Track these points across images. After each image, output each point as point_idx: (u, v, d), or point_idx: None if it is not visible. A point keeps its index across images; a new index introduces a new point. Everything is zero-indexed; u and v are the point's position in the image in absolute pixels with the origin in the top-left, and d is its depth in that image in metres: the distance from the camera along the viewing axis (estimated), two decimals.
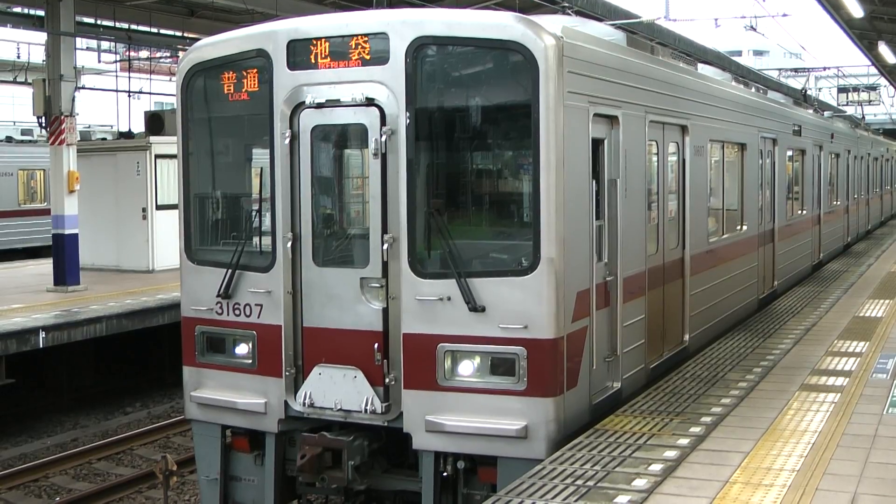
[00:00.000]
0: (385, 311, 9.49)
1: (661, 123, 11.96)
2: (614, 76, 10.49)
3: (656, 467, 8.29)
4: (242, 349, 10.30)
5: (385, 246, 9.41)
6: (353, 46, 9.58)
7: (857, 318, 16.00)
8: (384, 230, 9.44)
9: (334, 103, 9.63)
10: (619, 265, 10.52)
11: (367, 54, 9.54)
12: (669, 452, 8.70)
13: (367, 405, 9.49)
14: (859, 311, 16.72)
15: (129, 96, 35.32)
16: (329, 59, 9.69)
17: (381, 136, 9.39)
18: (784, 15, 34.87)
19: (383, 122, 9.40)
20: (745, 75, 37.68)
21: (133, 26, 28.92)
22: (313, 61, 9.76)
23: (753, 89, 18.98)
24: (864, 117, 50.95)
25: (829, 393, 10.92)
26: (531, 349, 9.03)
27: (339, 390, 9.62)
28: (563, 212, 9.12)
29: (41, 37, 26.45)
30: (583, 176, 9.68)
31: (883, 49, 32.85)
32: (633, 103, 10.93)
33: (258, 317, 10.12)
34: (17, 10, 28.30)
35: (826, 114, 32.30)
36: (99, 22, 27.75)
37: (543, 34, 9.05)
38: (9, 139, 40.10)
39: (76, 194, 21.49)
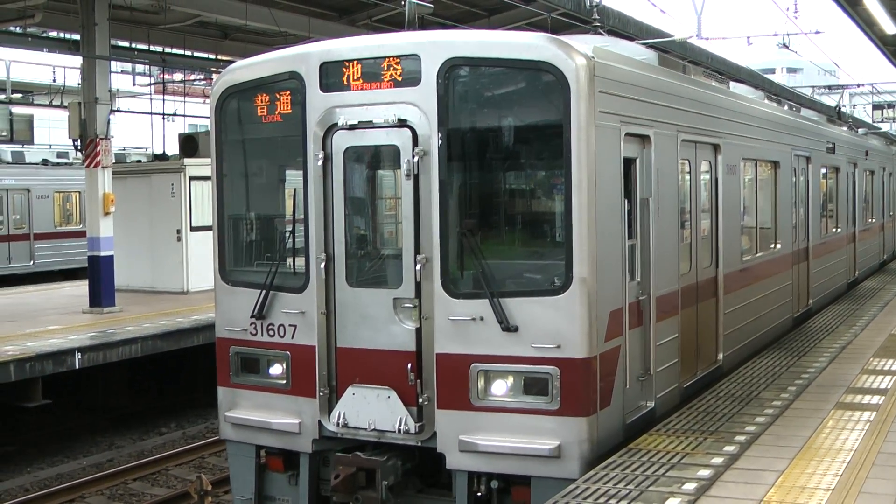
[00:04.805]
0: (418, 332, 9.52)
1: (694, 142, 11.95)
2: (646, 95, 10.50)
3: (690, 486, 8.26)
4: (276, 369, 10.34)
5: (418, 266, 9.44)
6: (385, 68, 9.64)
7: (894, 336, 15.88)
8: (417, 250, 9.47)
9: (367, 125, 9.68)
10: (651, 284, 10.51)
11: (399, 76, 9.59)
12: (703, 471, 8.67)
13: (400, 425, 9.50)
14: (895, 329, 16.60)
15: (164, 119, 35.61)
16: (361, 80, 9.75)
17: (413, 156, 9.43)
18: (817, 32, 34.76)
19: (415, 143, 9.44)
20: (778, 93, 37.56)
21: (167, 49, 29.19)
22: (346, 83, 9.82)
23: (786, 107, 18.94)
24: None
25: (865, 411, 10.85)
26: (564, 369, 9.03)
27: (372, 410, 9.64)
28: (595, 231, 9.13)
29: (77, 60, 26.72)
30: (615, 195, 9.69)
31: None
32: (664, 122, 10.93)
33: (292, 337, 10.17)
34: (53, 34, 28.66)
35: (860, 131, 32.12)
36: (133, 45, 28.05)
37: (575, 54, 9.08)
38: (45, 162, 40.49)
39: (111, 216, 21.63)
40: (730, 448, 9.42)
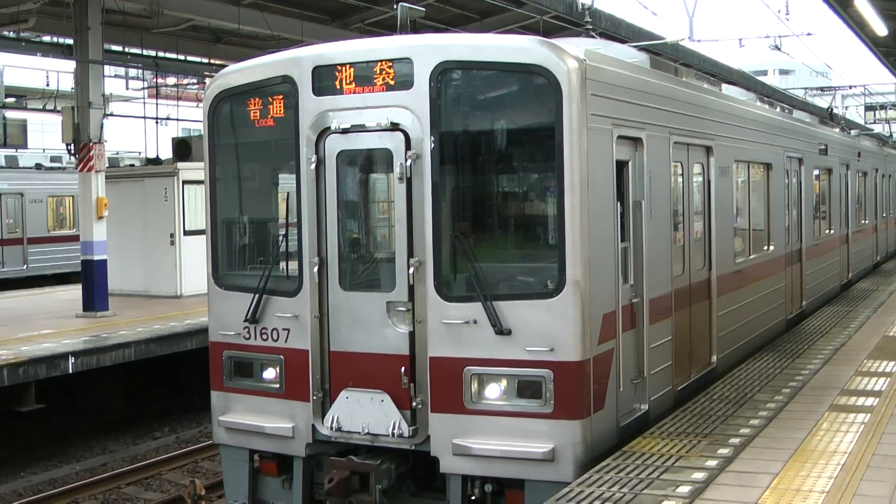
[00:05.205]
0: (411, 335, 9.52)
1: (686, 144, 11.96)
2: (638, 98, 10.51)
3: (684, 489, 8.25)
4: (270, 373, 10.33)
5: (411, 269, 9.43)
6: (378, 72, 9.64)
7: (887, 337, 15.90)
8: (410, 254, 9.47)
9: (359, 128, 9.68)
10: (644, 287, 10.52)
11: (392, 79, 9.59)
12: (697, 474, 8.67)
13: (394, 429, 9.50)
14: (889, 330, 16.62)
15: (157, 123, 35.58)
16: (354, 84, 9.75)
17: (406, 160, 9.43)
18: (808, 34, 34.77)
19: (408, 146, 9.44)
20: (771, 95, 37.57)
21: (160, 53, 29.17)
22: (338, 87, 9.82)
23: (779, 109, 18.94)
24: (891, 135, 50.70)
25: (859, 413, 10.85)
26: (558, 372, 9.02)
27: (366, 414, 9.63)
28: (588, 234, 9.13)
29: (70, 65, 26.73)
30: (607, 198, 9.69)
31: None
32: (657, 125, 10.94)
33: (285, 341, 10.16)
34: (47, 38, 28.63)
35: (853, 132, 32.12)
36: (127, 49, 28.03)
37: (566, 57, 9.08)
38: (38, 166, 40.46)
39: (105, 220, 21.61)
40: (724, 451, 9.42)
